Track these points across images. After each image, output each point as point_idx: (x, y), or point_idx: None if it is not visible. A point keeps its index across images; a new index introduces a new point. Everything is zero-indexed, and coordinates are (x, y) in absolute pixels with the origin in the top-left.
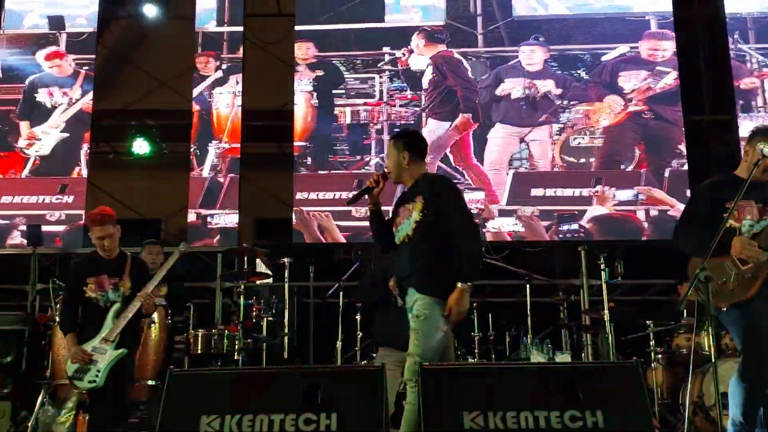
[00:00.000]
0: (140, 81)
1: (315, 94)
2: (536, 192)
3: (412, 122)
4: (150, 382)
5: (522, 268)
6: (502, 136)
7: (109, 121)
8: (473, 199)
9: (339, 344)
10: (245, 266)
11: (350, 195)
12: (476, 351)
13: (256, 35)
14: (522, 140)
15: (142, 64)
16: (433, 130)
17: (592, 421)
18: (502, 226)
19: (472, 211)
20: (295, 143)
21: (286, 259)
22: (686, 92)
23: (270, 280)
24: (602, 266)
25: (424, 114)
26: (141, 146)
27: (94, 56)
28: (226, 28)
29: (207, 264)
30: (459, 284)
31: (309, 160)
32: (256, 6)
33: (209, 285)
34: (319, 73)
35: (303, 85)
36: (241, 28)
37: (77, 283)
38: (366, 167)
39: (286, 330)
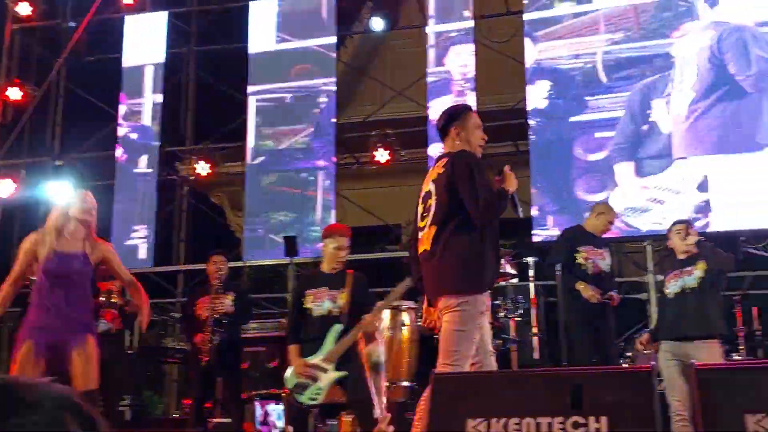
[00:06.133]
0: (377, 92)
1: None
2: None
3: None
4: (405, 384)
5: None
6: None
7: (352, 133)
8: None
9: None
10: None
11: None
12: (740, 347)
13: (485, 35)
14: None
15: (378, 75)
16: None
17: None
18: None
19: None
20: None
21: (530, 259)
22: None
23: (515, 280)
24: None
25: None
26: (382, 155)
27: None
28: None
29: None
30: None
31: None
32: (483, 7)
33: None
34: None
35: None
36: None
37: (298, 295)
38: None
39: (535, 330)
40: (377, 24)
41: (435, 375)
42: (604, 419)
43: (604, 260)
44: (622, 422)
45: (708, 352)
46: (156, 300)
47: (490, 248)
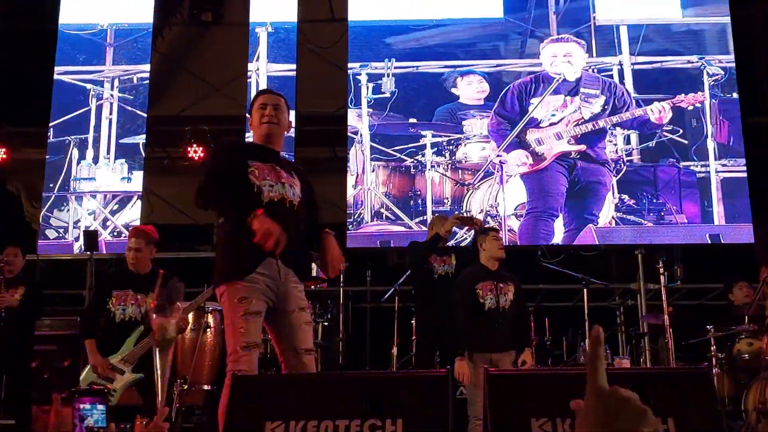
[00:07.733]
0: (194, 87)
1: None
2: None
3: None
4: (205, 387)
5: (577, 273)
6: None
7: (165, 126)
8: None
9: (395, 349)
10: None
11: None
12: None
13: (310, 39)
14: None
15: (196, 70)
16: None
17: (663, 428)
18: None
19: None
20: None
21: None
22: None
23: (325, 285)
24: (661, 270)
25: None
26: (196, 152)
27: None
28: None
29: None
30: None
31: None
32: (308, 12)
33: None
34: None
35: None
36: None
37: (103, 293)
38: None
39: (341, 334)
40: (202, 16)
41: (232, 376)
42: (399, 421)
43: (448, 265)
44: (417, 424)
45: (510, 360)
46: None
47: (245, 234)
